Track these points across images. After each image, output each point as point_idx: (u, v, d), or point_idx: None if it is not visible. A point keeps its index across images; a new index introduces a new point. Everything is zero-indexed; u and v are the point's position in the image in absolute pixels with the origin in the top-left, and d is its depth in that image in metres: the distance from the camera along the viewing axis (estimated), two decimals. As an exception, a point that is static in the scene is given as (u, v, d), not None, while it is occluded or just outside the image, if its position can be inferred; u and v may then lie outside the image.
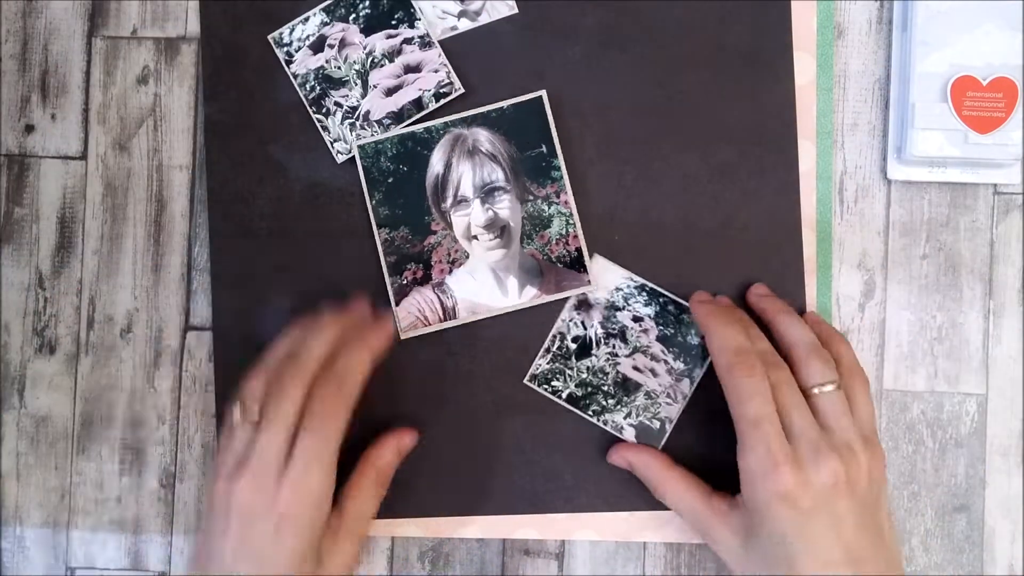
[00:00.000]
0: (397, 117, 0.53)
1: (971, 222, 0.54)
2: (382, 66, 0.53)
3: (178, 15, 0.56)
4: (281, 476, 0.44)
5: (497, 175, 0.52)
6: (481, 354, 0.53)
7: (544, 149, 0.52)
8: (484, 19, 0.54)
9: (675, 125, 0.53)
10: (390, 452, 0.50)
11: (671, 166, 0.53)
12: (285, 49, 0.54)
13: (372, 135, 0.53)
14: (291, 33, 0.54)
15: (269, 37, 0.54)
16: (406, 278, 0.53)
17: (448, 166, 0.52)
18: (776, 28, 0.53)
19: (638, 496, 0.53)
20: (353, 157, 0.53)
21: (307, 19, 0.54)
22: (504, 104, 0.52)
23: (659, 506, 0.52)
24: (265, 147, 0.54)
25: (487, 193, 0.52)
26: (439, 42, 0.53)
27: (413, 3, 0.53)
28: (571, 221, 0.52)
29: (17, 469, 0.56)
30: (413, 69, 0.53)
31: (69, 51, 0.56)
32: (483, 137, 0.52)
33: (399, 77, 0.53)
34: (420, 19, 0.53)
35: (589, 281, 0.52)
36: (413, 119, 0.53)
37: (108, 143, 0.56)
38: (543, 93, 0.52)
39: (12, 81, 0.56)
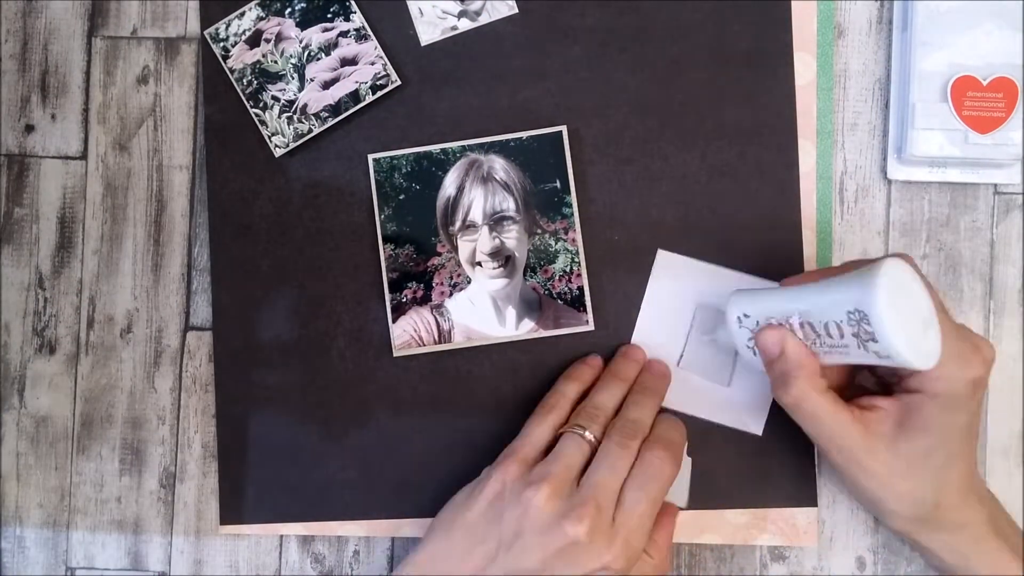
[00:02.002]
0: (334, 110, 0.53)
1: (971, 222, 0.54)
2: (318, 59, 0.53)
3: (178, 15, 0.56)
4: (611, 527, 0.44)
5: (508, 204, 0.52)
6: (481, 354, 0.53)
7: (558, 184, 0.52)
8: (484, 19, 0.54)
9: (675, 125, 0.53)
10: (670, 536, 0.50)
11: (671, 166, 0.53)
12: (221, 44, 0.54)
13: (310, 128, 0.53)
14: (227, 28, 0.54)
15: (205, 33, 0.54)
16: (405, 296, 0.53)
17: (460, 189, 0.52)
18: (776, 28, 0.53)
19: (638, 496, 0.53)
20: (291, 150, 0.54)
21: (243, 14, 0.54)
22: (523, 135, 0.53)
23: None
24: (265, 147, 0.54)
25: (496, 221, 0.52)
26: (439, 41, 0.54)
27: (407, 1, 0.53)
28: (576, 259, 0.52)
29: (17, 469, 0.56)
30: (349, 62, 0.53)
31: (69, 51, 0.56)
32: (498, 165, 0.52)
33: (335, 70, 0.53)
34: (355, 12, 0.53)
35: (588, 321, 0.52)
36: (350, 112, 0.53)
37: (108, 143, 0.56)
38: (563, 129, 0.53)
39: (12, 81, 0.56)
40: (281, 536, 0.55)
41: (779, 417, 0.52)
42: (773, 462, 0.53)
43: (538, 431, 0.48)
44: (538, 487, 0.44)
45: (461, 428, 0.54)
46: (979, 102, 0.51)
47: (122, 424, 0.55)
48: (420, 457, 0.54)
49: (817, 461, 0.53)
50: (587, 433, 0.47)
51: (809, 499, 0.53)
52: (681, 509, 0.51)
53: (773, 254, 0.53)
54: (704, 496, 0.53)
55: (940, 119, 0.51)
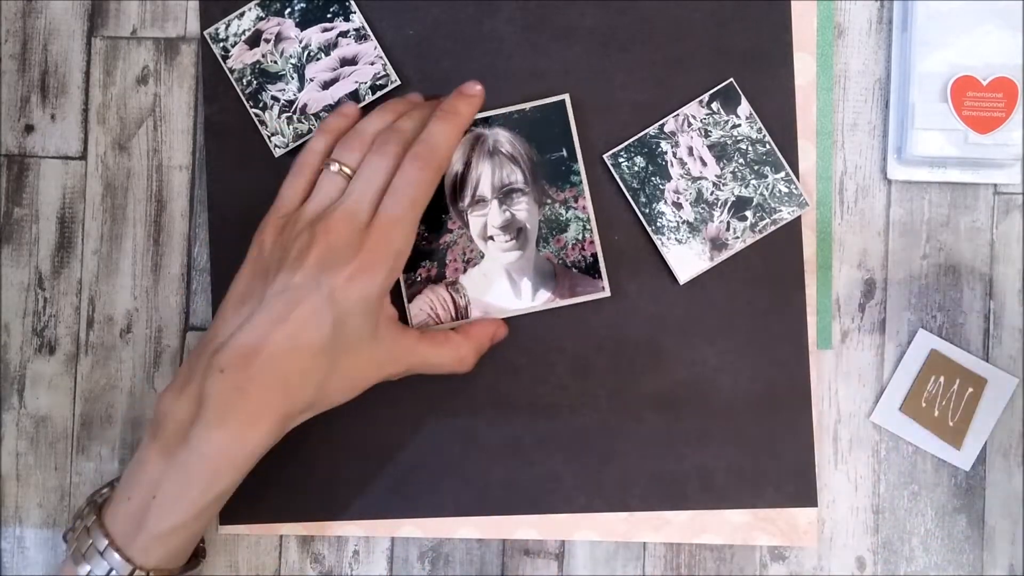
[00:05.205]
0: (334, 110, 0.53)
1: (971, 222, 0.54)
2: (318, 59, 0.53)
3: (178, 15, 0.56)
4: (367, 225, 0.44)
5: (516, 176, 0.52)
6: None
7: (564, 153, 0.52)
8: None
9: (675, 125, 0.53)
10: (486, 336, 0.51)
11: (671, 166, 0.53)
12: (221, 44, 0.54)
13: (310, 128, 0.53)
14: (227, 28, 0.54)
15: (204, 33, 0.54)
16: (420, 275, 0.53)
17: (467, 165, 0.52)
18: (776, 28, 0.53)
19: (638, 496, 0.53)
20: (291, 150, 0.54)
21: (242, 14, 0.54)
22: (526, 106, 0.53)
23: (659, 506, 0.52)
24: (265, 147, 0.54)
25: (505, 194, 0.52)
26: (439, 41, 0.54)
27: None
28: (588, 226, 0.52)
29: (17, 469, 0.56)
30: (349, 62, 0.53)
31: (69, 51, 0.56)
32: (503, 138, 0.52)
33: (335, 70, 0.53)
34: (355, 12, 0.53)
35: (604, 287, 0.52)
36: None
37: (108, 143, 0.56)
38: (566, 97, 0.52)
39: (12, 81, 0.56)
40: (281, 536, 0.55)
41: (779, 418, 0.53)
42: (773, 462, 0.53)
43: (290, 191, 0.49)
44: (293, 229, 0.45)
45: (461, 428, 0.54)
46: (979, 102, 0.51)
47: (122, 424, 0.55)
48: (420, 457, 0.54)
49: (817, 461, 0.53)
50: (334, 166, 0.47)
51: (809, 499, 0.53)
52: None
53: (773, 254, 0.53)
54: (704, 496, 0.53)
55: (940, 119, 0.51)
